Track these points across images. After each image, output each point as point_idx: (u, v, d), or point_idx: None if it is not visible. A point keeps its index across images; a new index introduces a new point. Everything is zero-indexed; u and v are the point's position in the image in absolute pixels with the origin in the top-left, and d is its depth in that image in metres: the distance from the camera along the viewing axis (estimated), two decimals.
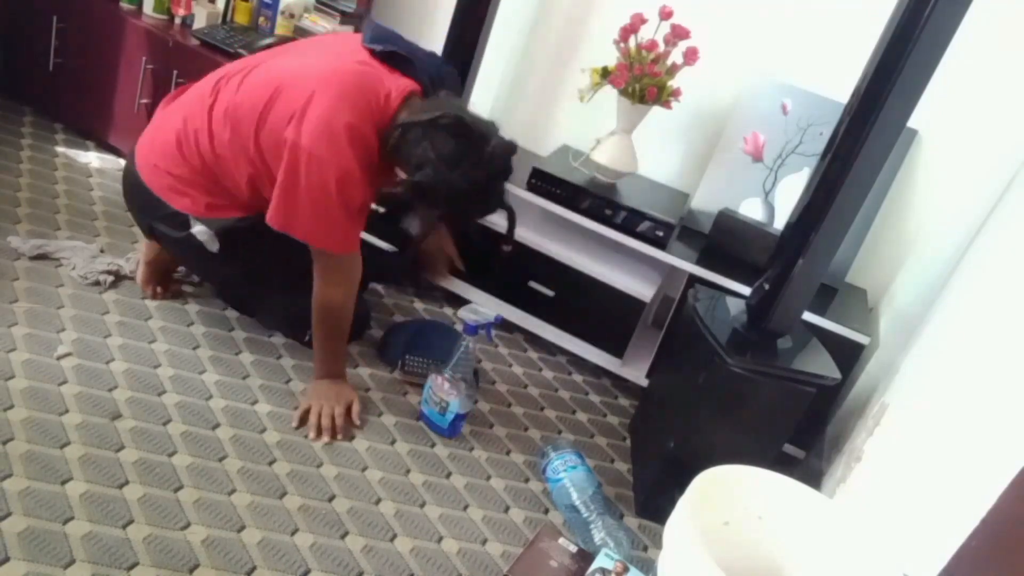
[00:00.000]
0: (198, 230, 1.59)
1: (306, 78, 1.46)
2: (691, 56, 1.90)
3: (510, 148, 1.51)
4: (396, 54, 1.53)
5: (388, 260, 2.05)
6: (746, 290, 1.76)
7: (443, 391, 1.61)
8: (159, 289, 1.77)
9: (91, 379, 1.48)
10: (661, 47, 1.89)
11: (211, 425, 1.47)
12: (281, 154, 1.45)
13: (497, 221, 1.73)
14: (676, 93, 1.92)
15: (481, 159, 1.46)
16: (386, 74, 1.50)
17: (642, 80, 1.89)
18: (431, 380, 1.63)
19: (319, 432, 1.53)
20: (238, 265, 1.68)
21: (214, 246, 1.60)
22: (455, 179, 1.44)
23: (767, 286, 1.52)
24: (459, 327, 1.88)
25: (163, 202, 1.58)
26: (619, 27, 1.91)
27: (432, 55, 1.65)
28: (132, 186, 1.64)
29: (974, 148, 1.87)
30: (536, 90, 1.86)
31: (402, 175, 1.50)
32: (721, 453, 1.29)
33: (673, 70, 1.90)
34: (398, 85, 1.50)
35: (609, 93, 1.95)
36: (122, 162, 2.29)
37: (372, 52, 1.53)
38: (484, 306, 1.68)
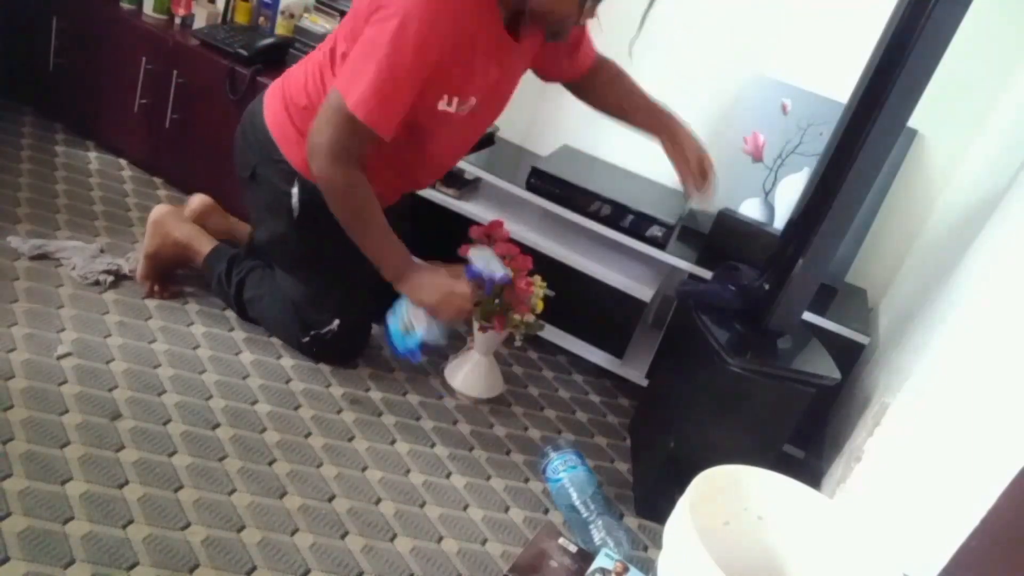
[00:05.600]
0: (296, 191, 1.61)
1: None
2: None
3: None
4: None
5: None
6: None
7: (416, 318, 1.55)
8: (156, 288, 1.77)
9: (91, 379, 1.48)
10: None
11: (211, 425, 1.47)
12: None
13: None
14: None
15: None
16: None
17: None
18: (409, 304, 1.56)
19: None
20: (304, 238, 1.66)
21: (299, 209, 1.62)
22: None
23: (767, 286, 1.52)
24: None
25: (276, 147, 1.61)
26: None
27: None
28: (249, 126, 1.67)
29: (974, 148, 1.87)
30: (536, 90, 1.87)
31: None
32: (721, 453, 1.29)
33: None
34: None
35: None
36: (123, 162, 2.30)
37: None
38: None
